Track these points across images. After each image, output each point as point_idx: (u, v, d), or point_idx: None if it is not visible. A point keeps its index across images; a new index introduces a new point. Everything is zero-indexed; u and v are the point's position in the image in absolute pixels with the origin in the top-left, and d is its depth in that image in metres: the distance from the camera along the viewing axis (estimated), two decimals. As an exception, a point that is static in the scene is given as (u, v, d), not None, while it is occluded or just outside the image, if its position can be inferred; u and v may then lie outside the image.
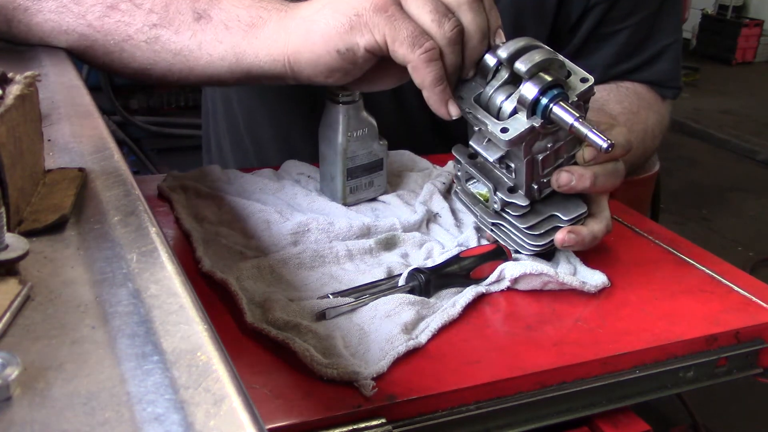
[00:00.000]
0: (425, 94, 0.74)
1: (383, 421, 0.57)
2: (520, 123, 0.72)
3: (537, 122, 0.72)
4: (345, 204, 0.91)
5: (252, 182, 0.94)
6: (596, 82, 1.10)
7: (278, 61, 0.78)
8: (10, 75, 0.46)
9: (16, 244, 0.38)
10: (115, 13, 0.80)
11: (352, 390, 0.59)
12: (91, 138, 0.57)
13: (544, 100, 0.71)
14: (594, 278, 0.78)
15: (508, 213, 0.80)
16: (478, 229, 0.86)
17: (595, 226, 0.80)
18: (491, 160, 0.77)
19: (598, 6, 1.10)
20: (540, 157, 0.75)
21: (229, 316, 0.68)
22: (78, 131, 0.58)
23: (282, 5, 0.79)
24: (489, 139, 0.76)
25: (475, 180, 0.83)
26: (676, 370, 0.71)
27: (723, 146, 5.36)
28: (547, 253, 0.82)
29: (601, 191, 0.81)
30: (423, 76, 0.72)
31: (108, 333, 0.34)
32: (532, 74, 0.71)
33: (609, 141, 0.69)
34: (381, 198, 0.94)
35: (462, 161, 0.82)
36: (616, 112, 1.03)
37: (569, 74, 0.75)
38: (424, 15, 0.72)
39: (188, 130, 3.36)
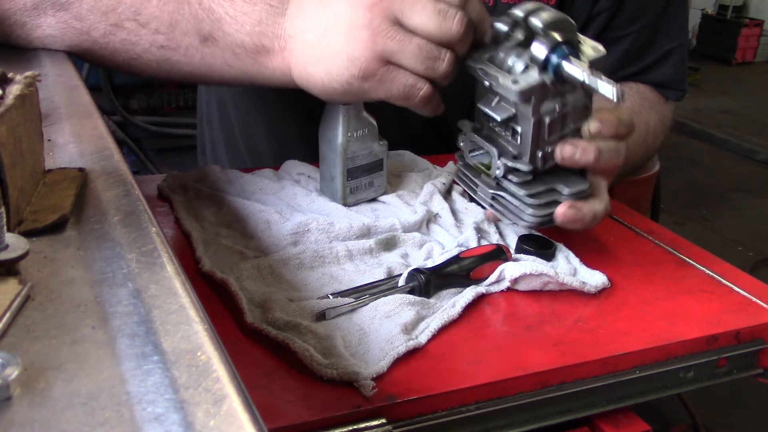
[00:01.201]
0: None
1: (383, 421, 0.57)
2: (532, 77, 0.73)
3: (548, 78, 0.73)
4: (345, 204, 0.91)
5: (252, 182, 0.94)
6: None
7: (290, 84, 0.81)
8: (10, 75, 0.46)
9: (16, 244, 0.38)
10: (120, 32, 0.79)
11: (352, 390, 0.59)
12: (91, 138, 0.57)
13: (554, 57, 0.72)
14: (594, 278, 0.78)
15: (509, 180, 0.80)
16: (478, 230, 0.85)
17: (597, 205, 0.79)
18: (499, 119, 0.77)
19: (602, 14, 1.10)
20: (547, 119, 0.76)
21: (229, 316, 0.68)
22: (78, 131, 0.58)
23: (279, 30, 0.78)
24: (498, 101, 0.77)
25: (477, 152, 0.84)
26: (676, 370, 0.71)
27: (723, 146, 5.36)
28: (547, 254, 0.82)
29: (604, 168, 0.80)
30: (423, 111, 0.79)
31: (108, 333, 0.34)
32: (546, 31, 0.73)
33: (620, 91, 0.70)
34: (381, 198, 0.94)
35: (467, 132, 0.84)
36: None
37: (581, 43, 0.76)
38: (418, 66, 0.74)
39: (188, 130, 3.36)
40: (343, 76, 0.74)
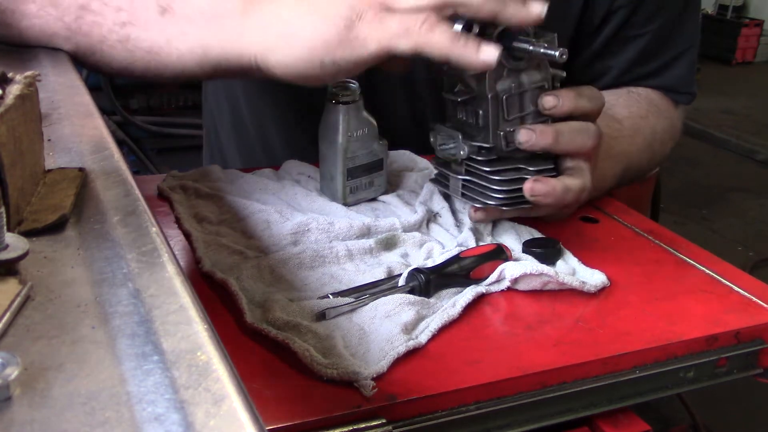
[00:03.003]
0: (453, 62, 0.70)
1: (383, 421, 0.57)
2: None
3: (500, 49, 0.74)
4: (345, 204, 0.91)
5: (252, 182, 0.94)
6: (611, 86, 1.11)
7: (244, 56, 0.75)
8: (10, 75, 0.46)
9: (16, 244, 0.38)
10: (87, 14, 0.80)
11: (352, 390, 0.59)
12: (91, 138, 0.57)
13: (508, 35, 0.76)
14: (593, 278, 0.78)
15: (475, 161, 0.82)
16: (474, 231, 0.86)
17: (568, 180, 0.79)
18: (459, 99, 0.81)
19: (621, 9, 1.09)
20: (504, 96, 0.79)
21: (229, 316, 0.68)
22: (78, 131, 0.58)
23: None
24: (459, 86, 0.81)
25: (446, 144, 0.85)
26: (676, 370, 0.71)
27: (723, 146, 5.36)
28: (552, 252, 0.82)
29: (568, 149, 0.80)
30: (433, 48, 0.68)
31: (108, 333, 0.34)
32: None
33: (561, 50, 0.73)
34: (381, 198, 0.94)
35: (434, 126, 0.86)
36: (622, 116, 1.03)
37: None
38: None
39: (188, 130, 3.36)
40: (342, 16, 0.68)
